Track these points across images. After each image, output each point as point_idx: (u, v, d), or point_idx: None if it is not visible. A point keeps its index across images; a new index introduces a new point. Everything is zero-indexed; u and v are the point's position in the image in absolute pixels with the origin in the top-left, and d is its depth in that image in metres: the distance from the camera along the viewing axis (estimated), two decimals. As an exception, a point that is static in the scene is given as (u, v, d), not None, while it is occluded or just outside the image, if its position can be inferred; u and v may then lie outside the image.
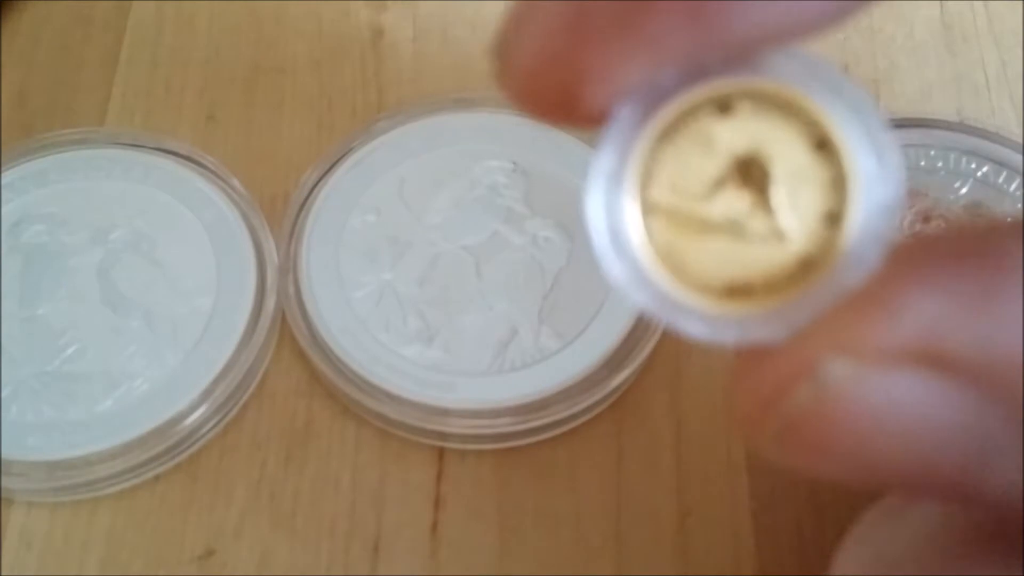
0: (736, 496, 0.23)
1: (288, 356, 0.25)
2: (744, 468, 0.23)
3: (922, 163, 0.27)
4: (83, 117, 0.29)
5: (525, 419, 0.24)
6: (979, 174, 0.26)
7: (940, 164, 0.27)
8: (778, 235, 0.12)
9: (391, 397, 0.24)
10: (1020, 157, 0.27)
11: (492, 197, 0.26)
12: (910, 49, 0.30)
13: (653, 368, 0.25)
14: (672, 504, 0.23)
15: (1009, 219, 0.16)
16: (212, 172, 0.27)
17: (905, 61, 0.29)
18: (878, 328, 0.11)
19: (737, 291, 0.13)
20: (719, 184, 0.13)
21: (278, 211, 0.27)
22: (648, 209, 0.13)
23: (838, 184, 0.12)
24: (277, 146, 0.28)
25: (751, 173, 0.12)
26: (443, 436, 0.24)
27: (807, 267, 0.12)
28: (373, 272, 0.26)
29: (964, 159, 0.27)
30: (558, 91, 0.13)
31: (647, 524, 0.23)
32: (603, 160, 0.13)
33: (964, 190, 0.26)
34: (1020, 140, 0.27)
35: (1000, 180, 0.26)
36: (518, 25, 0.13)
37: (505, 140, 0.27)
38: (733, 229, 0.13)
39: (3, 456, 0.23)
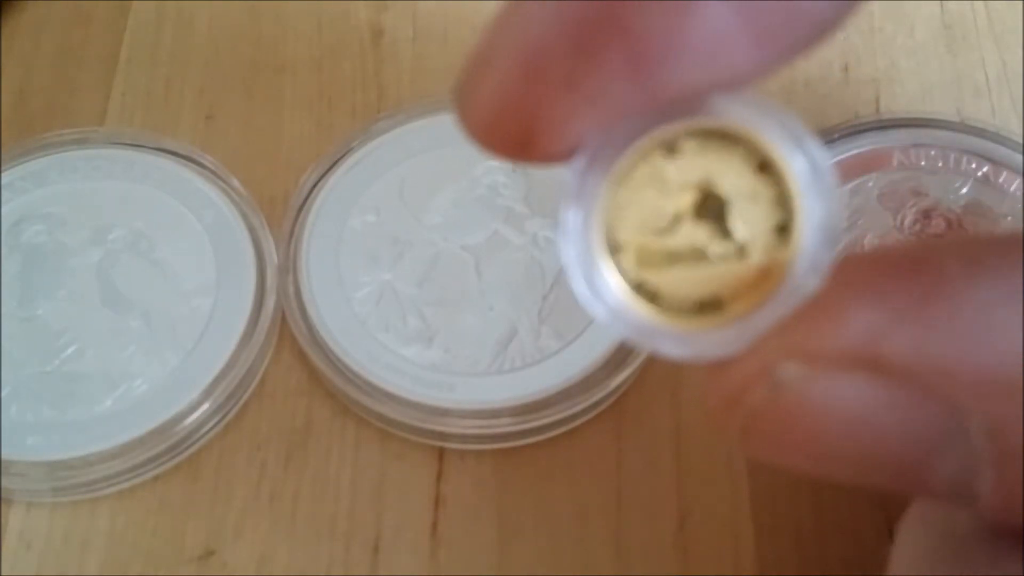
0: (736, 496, 0.23)
1: (288, 356, 0.25)
2: (744, 468, 0.23)
3: (922, 163, 0.27)
4: (83, 117, 0.29)
5: (525, 419, 0.23)
6: (979, 174, 0.26)
7: (940, 164, 0.27)
8: (738, 253, 0.14)
9: (391, 397, 0.24)
10: (1020, 157, 0.27)
11: (492, 197, 0.26)
12: (910, 49, 0.30)
13: (653, 368, 0.25)
14: (672, 504, 0.23)
15: (949, 236, 0.16)
16: (212, 172, 0.27)
17: (905, 61, 0.29)
18: (823, 336, 0.13)
19: (708, 306, 0.14)
20: (678, 217, 0.14)
21: (278, 211, 0.27)
22: (617, 249, 0.14)
23: (783, 200, 0.14)
24: (277, 146, 0.28)
25: (705, 201, 0.14)
26: (443, 436, 0.24)
27: (766, 276, 0.14)
28: (373, 272, 0.26)
29: (964, 159, 0.27)
30: (513, 138, 0.14)
31: (647, 524, 0.23)
32: (570, 215, 0.14)
33: (964, 190, 0.26)
34: (1020, 140, 0.27)
35: (1000, 180, 0.26)
36: (475, 74, 0.14)
37: (505, 140, 0.27)
38: (696, 255, 0.14)
39: (3, 456, 0.23)
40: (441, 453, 0.24)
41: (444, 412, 0.24)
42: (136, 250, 0.26)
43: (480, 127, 0.14)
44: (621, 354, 0.24)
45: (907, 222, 0.26)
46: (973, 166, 0.27)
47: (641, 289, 0.14)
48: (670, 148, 0.14)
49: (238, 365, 0.24)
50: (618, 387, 0.24)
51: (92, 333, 0.25)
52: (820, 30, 0.14)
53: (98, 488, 0.23)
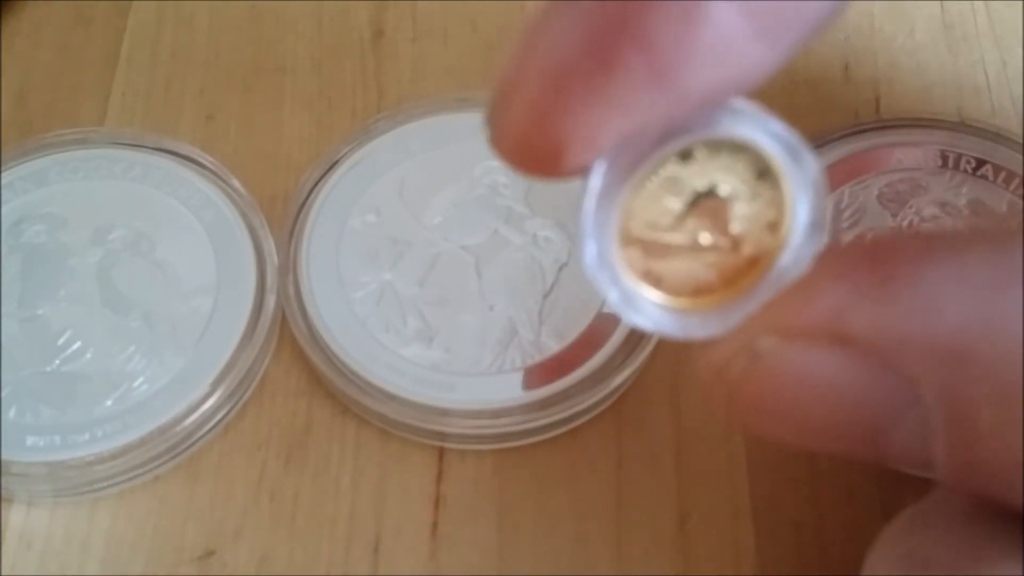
0: (736, 496, 0.23)
1: (288, 356, 0.25)
2: (744, 468, 0.23)
3: (922, 163, 0.27)
4: (83, 117, 0.29)
5: (525, 419, 0.23)
6: (979, 174, 0.26)
7: (940, 164, 0.27)
8: (733, 246, 0.15)
9: (391, 397, 0.24)
10: (1020, 157, 0.27)
11: (492, 197, 0.26)
12: (910, 49, 0.30)
13: (653, 368, 0.25)
14: (672, 504, 0.23)
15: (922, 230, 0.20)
16: (212, 172, 0.27)
17: (906, 61, 0.29)
18: (796, 312, 0.14)
19: (703, 291, 0.16)
20: (683, 214, 0.15)
21: (278, 211, 0.27)
22: (628, 242, 0.15)
23: (777, 202, 0.15)
24: (277, 146, 0.28)
25: (708, 199, 0.15)
26: (443, 436, 0.24)
27: (756, 266, 0.15)
28: (373, 272, 0.26)
29: (964, 159, 0.27)
30: (542, 154, 0.15)
31: (647, 524, 0.23)
32: (589, 210, 0.15)
33: (964, 189, 0.26)
34: (1020, 140, 0.27)
35: (1000, 180, 0.26)
36: (505, 96, 0.15)
37: (505, 140, 0.27)
38: (696, 247, 0.16)
39: (3, 456, 0.23)
40: (441, 453, 0.24)
41: (444, 412, 0.24)
42: (136, 250, 0.26)
43: (512, 147, 0.15)
44: (621, 354, 0.24)
45: (907, 222, 0.26)
46: (973, 166, 0.27)
47: (647, 276, 0.16)
48: (684, 155, 0.15)
49: (238, 365, 0.24)
50: (618, 387, 0.24)
51: (92, 333, 0.25)
52: (820, 26, 0.15)
53: (98, 488, 0.23)
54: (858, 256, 0.14)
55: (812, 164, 0.15)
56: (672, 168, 0.15)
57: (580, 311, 0.25)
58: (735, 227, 0.15)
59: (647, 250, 0.16)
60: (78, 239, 0.26)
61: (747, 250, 0.15)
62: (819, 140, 0.27)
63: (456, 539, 0.23)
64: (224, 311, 0.25)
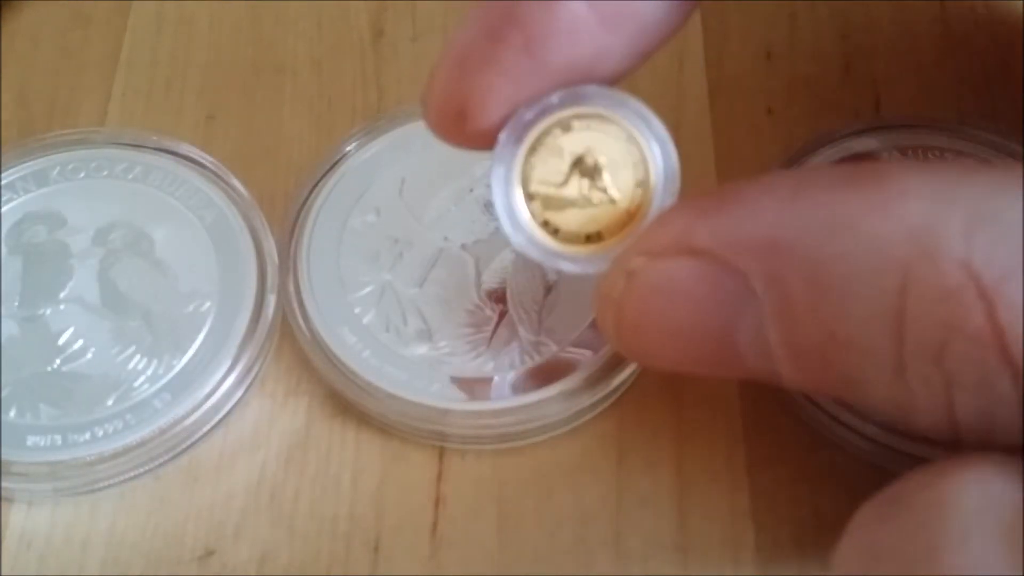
0: (736, 496, 0.23)
1: (288, 356, 0.25)
2: (744, 468, 0.23)
3: (922, 163, 0.27)
4: (83, 117, 0.29)
5: (525, 419, 0.24)
6: (979, 174, 0.26)
7: (940, 164, 0.27)
8: (611, 200, 0.20)
9: (391, 397, 0.24)
10: (1020, 157, 0.27)
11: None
12: (910, 49, 0.30)
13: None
14: (672, 504, 0.23)
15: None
16: (212, 172, 0.27)
17: (905, 61, 0.29)
18: (657, 236, 0.19)
19: (592, 238, 0.20)
20: (569, 175, 0.20)
21: (278, 211, 0.27)
22: (529, 197, 0.20)
23: (641, 163, 0.20)
24: (277, 146, 0.28)
25: (589, 164, 0.20)
26: (443, 436, 0.24)
27: (631, 216, 0.20)
28: (373, 272, 0.26)
29: (964, 159, 0.27)
30: (453, 120, 0.20)
31: (647, 524, 0.23)
32: (497, 172, 0.20)
33: (964, 190, 0.26)
34: (1020, 140, 0.27)
35: (1000, 180, 0.26)
36: (429, 79, 0.20)
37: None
38: (582, 202, 0.20)
39: (3, 456, 0.23)
40: (441, 453, 0.24)
41: (444, 412, 0.24)
42: (136, 250, 0.26)
43: (434, 117, 0.20)
44: (621, 354, 0.24)
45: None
46: (973, 166, 0.26)
47: (546, 225, 0.20)
48: (564, 127, 0.20)
49: (238, 365, 0.24)
50: (618, 387, 0.24)
51: (92, 333, 0.25)
52: (656, 23, 0.20)
53: (98, 488, 0.23)
54: (702, 193, 0.19)
55: (660, 128, 0.20)
56: (557, 137, 0.20)
57: (580, 311, 0.25)
58: (611, 186, 0.20)
59: (545, 204, 0.20)
60: (78, 239, 0.26)
61: (623, 204, 0.20)
62: (819, 140, 0.27)
63: (456, 539, 0.23)
64: (224, 311, 0.25)
